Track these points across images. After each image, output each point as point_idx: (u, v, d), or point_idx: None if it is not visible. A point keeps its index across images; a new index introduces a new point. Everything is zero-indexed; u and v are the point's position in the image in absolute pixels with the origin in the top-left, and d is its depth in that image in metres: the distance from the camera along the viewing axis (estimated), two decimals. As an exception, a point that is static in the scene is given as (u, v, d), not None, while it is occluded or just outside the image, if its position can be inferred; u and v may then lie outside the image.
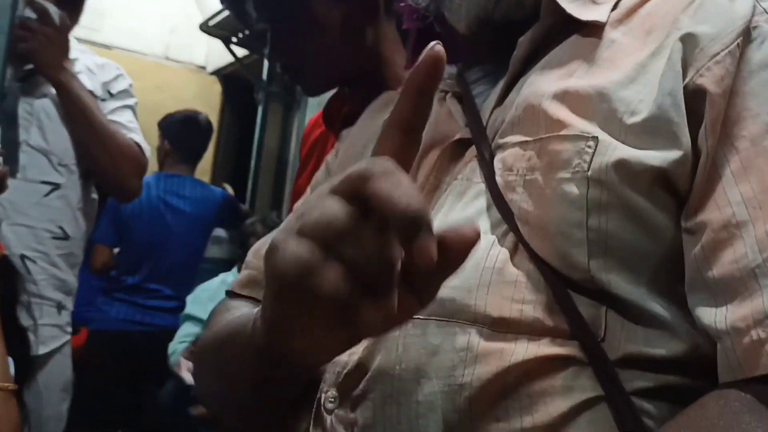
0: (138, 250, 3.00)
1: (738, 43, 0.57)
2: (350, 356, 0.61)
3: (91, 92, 1.86)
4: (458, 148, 0.66)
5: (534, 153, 0.59)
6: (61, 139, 1.85)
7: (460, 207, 0.63)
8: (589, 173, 0.56)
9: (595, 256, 0.55)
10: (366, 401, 0.59)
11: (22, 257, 1.84)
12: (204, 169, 4.60)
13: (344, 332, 0.43)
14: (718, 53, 0.56)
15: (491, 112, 0.66)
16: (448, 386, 0.55)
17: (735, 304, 0.51)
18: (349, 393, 0.60)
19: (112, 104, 1.96)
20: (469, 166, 0.65)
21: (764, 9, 0.59)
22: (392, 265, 0.40)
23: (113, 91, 1.99)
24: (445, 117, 0.70)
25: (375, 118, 0.84)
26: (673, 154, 0.55)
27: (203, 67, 5.04)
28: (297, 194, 1.32)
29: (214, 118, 4.84)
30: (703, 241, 0.54)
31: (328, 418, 0.61)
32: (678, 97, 0.57)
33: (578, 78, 0.61)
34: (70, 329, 1.92)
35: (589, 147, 0.57)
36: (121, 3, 4.06)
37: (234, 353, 0.65)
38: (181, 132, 3.20)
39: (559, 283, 0.56)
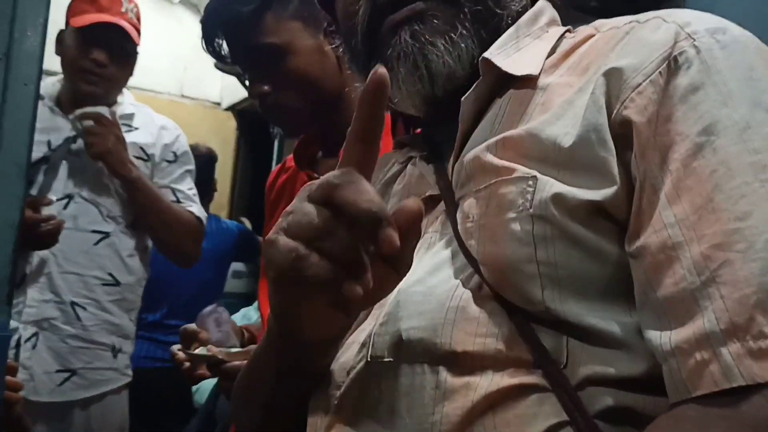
0: (157, 287, 2.99)
1: (660, 71, 0.59)
2: (330, 400, 0.66)
3: (152, 155, 2.06)
4: (430, 205, 0.71)
5: (485, 200, 0.64)
6: (110, 193, 1.99)
7: (429, 256, 0.68)
8: (531, 210, 0.60)
9: (548, 287, 0.58)
10: None
11: (72, 304, 1.93)
12: (221, 204, 4.62)
13: (336, 308, 0.52)
14: (641, 84, 0.59)
15: (452, 168, 0.70)
16: (419, 425, 0.59)
17: (678, 326, 0.52)
18: None
19: (177, 170, 2.13)
20: (439, 220, 0.70)
21: (688, 34, 0.60)
22: (361, 252, 0.50)
23: (178, 152, 2.15)
24: (417, 179, 0.77)
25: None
26: (606, 190, 0.58)
27: (218, 104, 5.08)
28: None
29: (229, 154, 4.88)
30: (645, 264, 0.56)
31: None
32: (602, 132, 0.60)
33: (516, 127, 0.65)
34: (129, 372, 2.04)
35: (530, 186, 0.61)
36: (135, 43, 4.13)
37: (260, 359, 0.76)
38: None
39: (520, 316, 0.59)
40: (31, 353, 1.85)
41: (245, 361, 1.00)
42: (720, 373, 0.49)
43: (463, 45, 0.72)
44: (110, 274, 1.97)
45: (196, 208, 2.13)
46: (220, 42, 1.18)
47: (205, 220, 2.14)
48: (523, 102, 0.67)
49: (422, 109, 0.78)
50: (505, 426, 0.56)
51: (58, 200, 1.88)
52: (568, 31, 0.76)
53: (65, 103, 2.02)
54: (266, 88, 1.17)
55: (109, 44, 1.97)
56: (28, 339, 1.88)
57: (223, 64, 1.23)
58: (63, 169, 1.94)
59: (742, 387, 0.48)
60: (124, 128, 2.03)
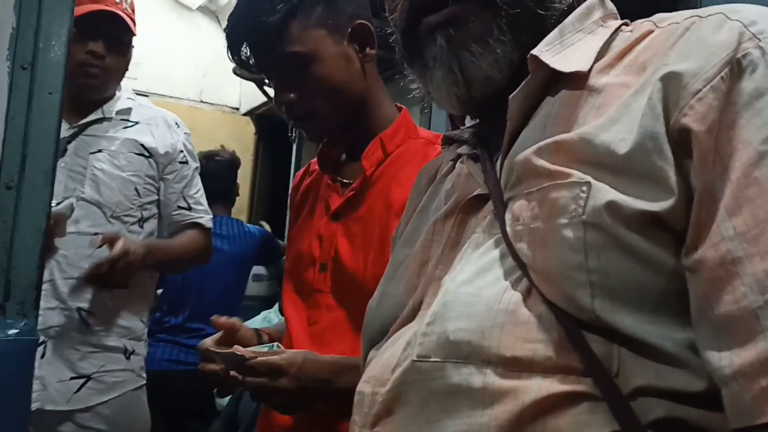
0: (179, 290, 3.04)
1: (722, 76, 0.56)
2: (374, 396, 0.66)
3: (154, 150, 1.99)
4: (478, 204, 0.71)
5: (536, 203, 0.62)
6: (113, 193, 1.92)
7: (476, 257, 0.67)
8: (584, 217, 0.58)
9: (598, 296, 0.57)
10: None
11: (79, 310, 1.86)
12: (241, 208, 4.66)
13: None
14: (700, 90, 0.56)
15: (501, 168, 0.70)
16: (467, 426, 0.58)
17: (739, 347, 0.51)
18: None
19: (187, 172, 2.08)
20: (487, 220, 0.69)
21: (753, 34, 0.58)
22: None
23: (187, 152, 2.08)
24: (465, 178, 0.76)
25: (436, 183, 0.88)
26: (663, 202, 0.56)
27: (237, 109, 5.13)
28: (291, 242, 1.37)
29: (248, 158, 4.91)
30: (702, 279, 0.54)
31: None
32: (659, 140, 0.57)
33: (569, 129, 0.63)
34: (144, 373, 1.99)
35: (583, 192, 0.59)
36: (154, 50, 4.17)
37: None
38: (202, 172, 3.26)
39: (570, 322, 0.57)
40: (41, 362, 1.78)
41: (272, 358, 1.03)
42: None
43: (499, 50, 0.71)
44: None
45: (205, 217, 2.11)
46: (246, 51, 1.21)
47: (210, 224, 2.13)
48: (576, 103, 0.65)
49: (461, 109, 0.79)
50: (555, 431, 0.56)
51: (57, 203, 1.77)
52: (625, 24, 0.73)
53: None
54: (292, 95, 1.19)
55: (107, 35, 1.92)
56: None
57: (249, 72, 1.25)
58: (61, 170, 1.84)
59: None
60: (120, 124, 1.99)
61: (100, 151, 1.93)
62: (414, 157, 1.20)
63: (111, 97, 2.01)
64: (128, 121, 2.02)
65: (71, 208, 1.82)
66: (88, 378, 1.87)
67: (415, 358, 0.64)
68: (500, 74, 0.72)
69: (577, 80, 0.67)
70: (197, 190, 2.10)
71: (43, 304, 1.66)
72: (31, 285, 1.41)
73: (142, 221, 1.98)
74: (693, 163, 0.56)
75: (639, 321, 0.56)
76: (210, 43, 4.72)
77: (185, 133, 2.10)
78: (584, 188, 0.59)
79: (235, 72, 4.43)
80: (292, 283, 1.29)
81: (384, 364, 0.68)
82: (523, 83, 0.69)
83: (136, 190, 1.96)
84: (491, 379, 0.58)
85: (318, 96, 1.19)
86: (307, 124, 1.23)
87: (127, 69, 2.03)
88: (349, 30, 1.20)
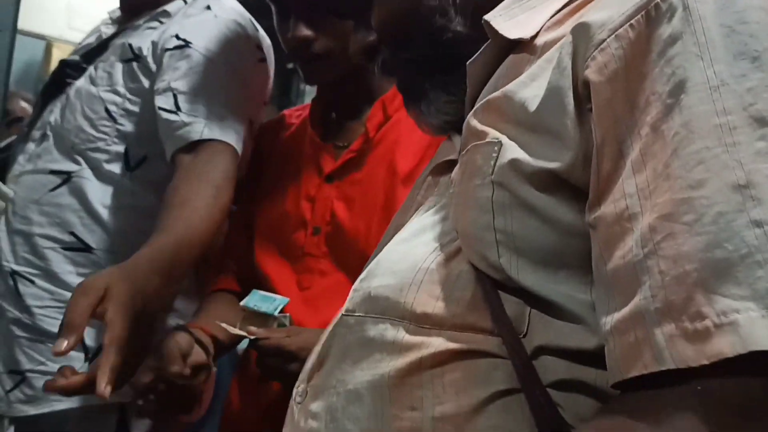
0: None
1: (633, 23, 0.52)
2: (315, 354, 0.68)
3: (154, 43, 1.31)
4: (450, 168, 0.70)
5: (464, 165, 0.63)
6: (74, 116, 1.34)
7: (423, 218, 0.69)
8: (493, 177, 0.58)
9: (504, 255, 0.57)
10: (320, 392, 0.65)
11: (13, 274, 1.30)
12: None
13: None
14: (604, 40, 0.53)
15: None
16: (372, 376, 0.60)
17: (621, 305, 0.49)
18: (311, 386, 0.67)
19: (194, 55, 1.28)
20: (444, 183, 0.71)
21: None
22: None
23: (188, 36, 1.32)
24: (448, 145, 0.77)
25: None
26: (564, 158, 0.55)
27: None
28: (267, 198, 1.31)
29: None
30: (600, 236, 0.52)
31: (295, 410, 0.67)
32: (563, 95, 0.55)
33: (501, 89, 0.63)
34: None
35: (495, 152, 0.58)
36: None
37: None
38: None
39: (488, 282, 0.58)
40: None
41: (283, 342, 1.02)
42: (651, 356, 0.45)
43: (443, 94, 0.76)
44: (73, 234, 1.29)
45: (202, 125, 1.22)
46: None
47: (234, 138, 1.23)
48: (519, 63, 0.64)
49: (443, 131, 0.81)
50: (452, 385, 0.56)
51: (34, 142, 1.38)
52: None
53: None
54: (310, 33, 1.17)
55: None
56: None
57: None
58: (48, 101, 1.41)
59: (676, 371, 0.44)
60: (152, 23, 1.37)
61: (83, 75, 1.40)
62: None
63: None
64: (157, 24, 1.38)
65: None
66: (23, 376, 1.27)
67: (344, 313, 0.66)
68: (455, 109, 0.75)
69: (523, 47, 0.65)
70: (196, 87, 1.25)
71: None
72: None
73: (125, 162, 1.31)
74: (592, 115, 0.53)
75: (544, 280, 0.56)
76: None
77: (214, 16, 1.34)
78: (496, 147, 0.58)
79: None
80: (273, 243, 1.25)
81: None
82: (480, 49, 0.68)
83: (107, 111, 1.32)
84: (402, 334, 0.60)
85: (337, 38, 1.18)
86: (317, 64, 1.21)
87: None
88: None
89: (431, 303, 0.59)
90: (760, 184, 0.44)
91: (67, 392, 0.90)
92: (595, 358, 0.53)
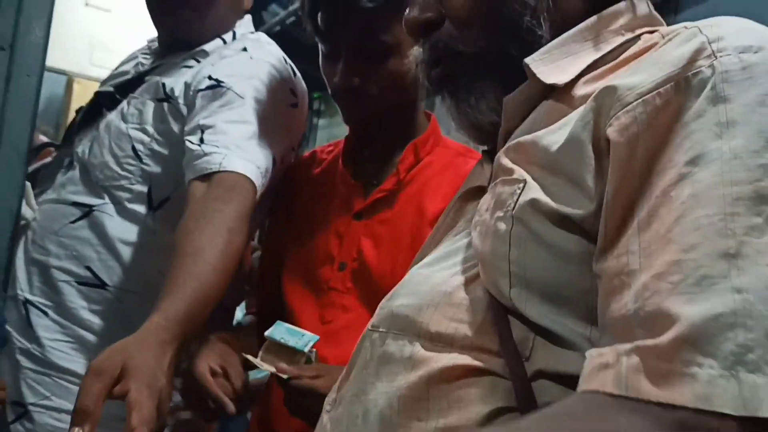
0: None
1: (661, 92, 0.55)
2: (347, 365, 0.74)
3: (171, 91, 1.33)
4: (478, 195, 0.75)
5: (491, 197, 0.67)
6: (102, 151, 1.34)
7: (449, 243, 0.74)
8: (514, 212, 0.63)
9: (516, 286, 0.61)
10: (344, 400, 0.71)
11: (26, 303, 1.28)
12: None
13: None
14: (631, 103, 0.56)
15: None
16: (388, 388, 0.65)
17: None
18: (340, 395, 0.73)
19: (230, 95, 1.28)
20: (472, 210, 0.74)
21: (713, 51, 0.55)
22: None
23: (221, 77, 1.31)
24: (477, 171, 0.82)
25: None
26: (582, 206, 0.58)
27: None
28: (298, 231, 1.32)
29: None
30: (603, 286, 0.56)
31: (325, 418, 0.74)
32: (583, 147, 0.59)
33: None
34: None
35: (519, 189, 0.63)
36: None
37: None
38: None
39: (499, 307, 0.62)
40: None
41: (317, 379, 1.00)
42: (611, 380, 0.48)
43: (491, 94, 0.75)
44: (89, 269, 1.27)
45: (234, 156, 1.18)
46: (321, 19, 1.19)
47: (255, 173, 1.19)
48: (553, 114, 0.67)
49: (472, 137, 0.82)
50: (456, 401, 0.60)
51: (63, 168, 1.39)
52: (649, 32, 0.70)
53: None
54: (357, 79, 1.18)
55: None
56: None
57: (315, 38, 1.22)
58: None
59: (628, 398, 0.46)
60: (189, 62, 1.38)
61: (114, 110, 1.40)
62: (446, 167, 1.23)
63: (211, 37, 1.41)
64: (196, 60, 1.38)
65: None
66: (25, 409, 1.24)
67: (370, 327, 0.72)
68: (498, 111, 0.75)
69: (564, 90, 0.68)
70: (223, 121, 1.22)
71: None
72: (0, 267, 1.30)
73: (148, 202, 1.30)
74: (609, 170, 0.57)
75: (547, 313, 0.59)
76: None
77: (249, 58, 1.34)
78: (520, 185, 0.63)
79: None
80: (300, 276, 1.25)
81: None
82: (520, 87, 0.71)
83: (134, 150, 1.30)
84: (417, 350, 0.65)
85: (381, 85, 1.19)
86: (357, 103, 1.22)
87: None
88: None
89: (445, 323, 0.64)
90: (748, 257, 0.47)
91: None
92: None
